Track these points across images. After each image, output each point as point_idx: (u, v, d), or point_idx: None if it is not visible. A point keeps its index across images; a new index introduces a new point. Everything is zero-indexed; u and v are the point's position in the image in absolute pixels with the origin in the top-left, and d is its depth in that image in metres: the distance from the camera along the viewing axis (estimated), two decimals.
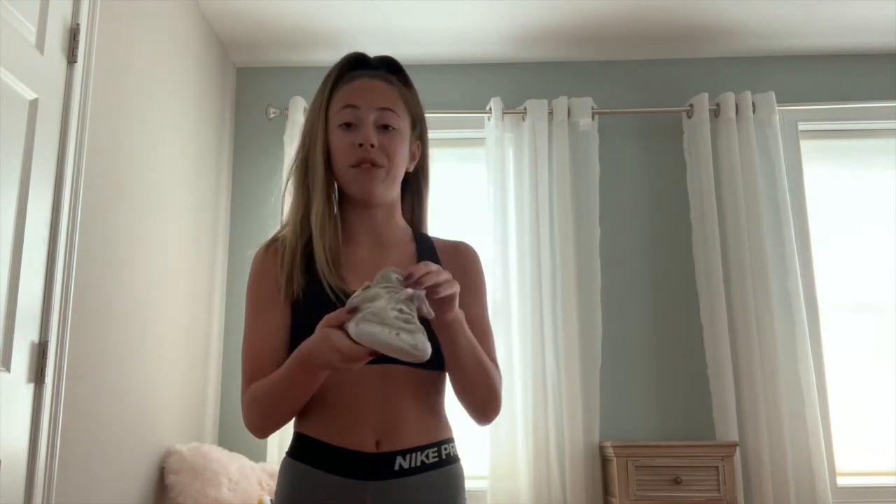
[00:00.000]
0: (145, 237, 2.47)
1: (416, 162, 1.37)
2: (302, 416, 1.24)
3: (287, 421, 1.24)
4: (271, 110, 3.28)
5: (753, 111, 3.23)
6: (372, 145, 1.26)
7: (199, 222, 2.98)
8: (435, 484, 1.21)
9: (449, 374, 1.24)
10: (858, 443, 3.10)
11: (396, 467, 1.18)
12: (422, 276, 1.06)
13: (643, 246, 3.26)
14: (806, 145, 3.36)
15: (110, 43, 2.20)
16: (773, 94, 3.24)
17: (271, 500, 2.52)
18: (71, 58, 1.98)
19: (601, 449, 2.95)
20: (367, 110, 1.28)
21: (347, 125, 1.28)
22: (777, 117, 3.22)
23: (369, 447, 1.18)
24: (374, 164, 1.26)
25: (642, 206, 3.30)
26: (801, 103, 3.31)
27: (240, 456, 2.74)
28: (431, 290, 1.07)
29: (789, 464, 2.89)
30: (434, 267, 1.09)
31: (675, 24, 3.18)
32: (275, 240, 1.32)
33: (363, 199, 1.29)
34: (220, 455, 2.64)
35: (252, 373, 1.23)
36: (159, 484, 2.53)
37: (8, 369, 1.70)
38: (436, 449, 1.23)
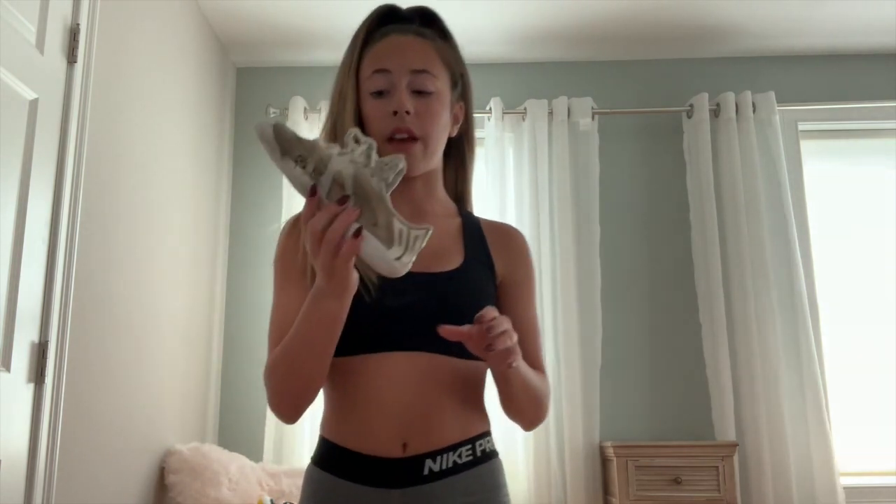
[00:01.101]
0: (145, 237, 2.47)
1: (458, 125, 1.24)
2: (326, 416, 1.17)
3: (308, 391, 1.09)
4: (271, 110, 3.28)
5: (753, 111, 3.23)
6: (407, 112, 1.13)
7: (199, 222, 2.98)
8: (468, 486, 1.10)
9: (497, 393, 1.14)
10: (858, 442, 3.09)
11: (426, 472, 1.07)
12: (492, 325, 0.98)
13: (643, 246, 3.26)
14: (806, 145, 3.35)
15: (110, 43, 2.20)
16: (773, 94, 3.23)
17: (271, 500, 2.52)
18: (71, 58, 1.98)
19: (601, 449, 2.95)
20: (400, 74, 1.15)
21: (380, 93, 1.15)
22: (777, 117, 3.22)
23: (395, 451, 1.08)
24: (410, 136, 1.13)
25: (642, 206, 3.29)
26: (801, 103, 3.31)
27: (240, 456, 2.74)
28: (491, 344, 0.98)
29: (789, 464, 2.88)
30: (507, 325, 1.00)
31: (675, 24, 3.18)
32: None
33: None
34: (220, 455, 2.64)
35: (275, 346, 1.12)
36: (159, 484, 2.53)
37: (8, 369, 1.71)
38: (469, 447, 1.11)
